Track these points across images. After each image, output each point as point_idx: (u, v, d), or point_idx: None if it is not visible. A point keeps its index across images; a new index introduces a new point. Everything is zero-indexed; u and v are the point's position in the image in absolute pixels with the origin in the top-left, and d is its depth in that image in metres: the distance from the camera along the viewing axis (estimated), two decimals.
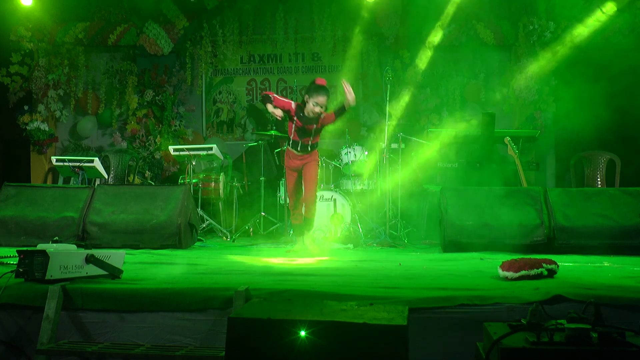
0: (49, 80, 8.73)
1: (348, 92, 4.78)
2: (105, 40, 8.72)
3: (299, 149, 5.09)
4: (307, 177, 5.15)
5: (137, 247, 5.20)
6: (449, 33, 8.14)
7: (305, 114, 4.93)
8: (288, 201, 5.15)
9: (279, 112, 4.94)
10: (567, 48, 7.89)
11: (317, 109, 4.83)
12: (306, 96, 4.90)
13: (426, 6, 8.21)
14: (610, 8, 7.58)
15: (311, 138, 5.04)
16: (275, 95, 5.03)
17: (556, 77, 8.04)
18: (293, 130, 5.03)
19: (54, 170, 8.62)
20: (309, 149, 5.10)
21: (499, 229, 5.00)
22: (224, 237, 6.81)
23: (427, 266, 4.27)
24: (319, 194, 6.62)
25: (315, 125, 4.97)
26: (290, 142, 5.12)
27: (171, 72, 8.89)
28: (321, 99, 4.82)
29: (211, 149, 6.90)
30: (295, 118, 4.96)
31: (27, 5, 8.12)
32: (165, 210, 5.44)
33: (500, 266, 3.48)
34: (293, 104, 4.98)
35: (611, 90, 6.96)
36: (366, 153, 6.98)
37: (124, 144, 8.78)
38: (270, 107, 4.93)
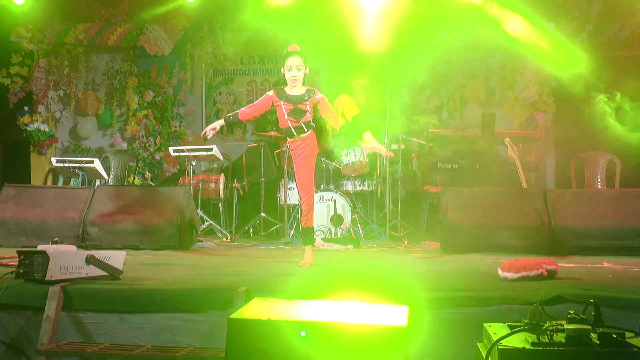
0: (49, 81, 8.73)
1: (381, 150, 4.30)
2: (105, 40, 8.71)
3: (296, 133, 4.38)
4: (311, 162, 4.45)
5: (137, 248, 5.21)
6: (449, 34, 8.13)
7: (287, 92, 4.36)
8: (300, 198, 4.47)
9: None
10: (567, 49, 7.88)
11: (294, 73, 4.29)
12: (282, 69, 4.39)
13: (426, 7, 8.20)
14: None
15: (309, 114, 4.36)
16: (242, 109, 4.50)
17: (556, 78, 8.04)
18: (285, 116, 4.35)
19: (54, 171, 8.61)
20: (306, 129, 4.37)
21: (499, 230, 4.99)
22: (224, 238, 6.81)
23: (427, 267, 4.27)
24: (318, 195, 6.60)
25: (307, 104, 4.34)
26: (289, 130, 4.40)
27: (171, 73, 8.88)
28: (290, 60, 4.30)
29: (211, 149, 6.90)
30: (281, 102, 4.35)
31: (22, 5, 7.98)
32: (165, 211, 5.45)
33: (500, 267, 3.48)
34: (270, 92, 4.43)
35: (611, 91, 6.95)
36: (366, 154, 6.97)
37: (124, 145, 8.77)
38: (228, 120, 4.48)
